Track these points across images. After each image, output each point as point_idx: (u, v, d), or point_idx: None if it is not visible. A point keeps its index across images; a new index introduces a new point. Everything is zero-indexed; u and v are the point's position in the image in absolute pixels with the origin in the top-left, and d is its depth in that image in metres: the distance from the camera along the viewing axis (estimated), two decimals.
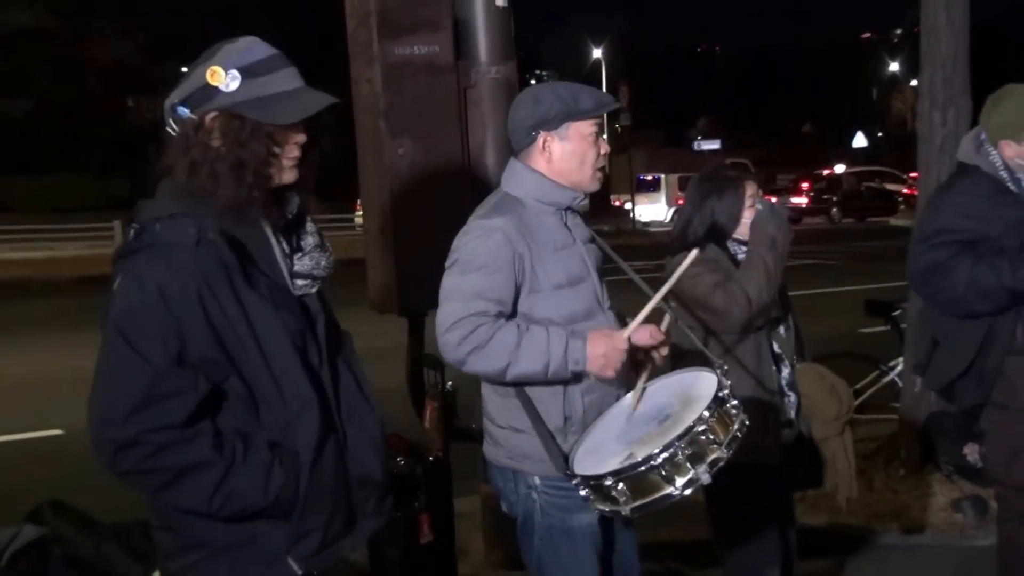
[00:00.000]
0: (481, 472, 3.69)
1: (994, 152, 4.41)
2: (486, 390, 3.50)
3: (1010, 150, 4.36)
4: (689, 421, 2.95)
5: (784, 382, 4.04)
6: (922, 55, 6.82)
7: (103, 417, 2.38)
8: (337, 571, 2.66)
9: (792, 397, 4.07)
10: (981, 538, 5.44)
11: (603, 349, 3.19)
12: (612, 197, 44.64)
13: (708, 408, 2.96)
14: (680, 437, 2.92)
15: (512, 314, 3.30)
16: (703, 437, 2.93)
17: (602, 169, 3.48)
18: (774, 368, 4.00)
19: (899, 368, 7.55)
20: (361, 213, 5.19)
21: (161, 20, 57.96)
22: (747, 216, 4.00)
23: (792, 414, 4.06)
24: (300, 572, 2.53)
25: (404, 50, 4.73)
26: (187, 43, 27.42)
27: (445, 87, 4.84)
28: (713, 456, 2.95)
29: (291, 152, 2.54)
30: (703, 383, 3.15)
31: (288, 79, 2.52)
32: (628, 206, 39.66)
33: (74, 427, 5.34)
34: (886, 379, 7.87)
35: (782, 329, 4.08)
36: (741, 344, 3.91)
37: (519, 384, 3.30)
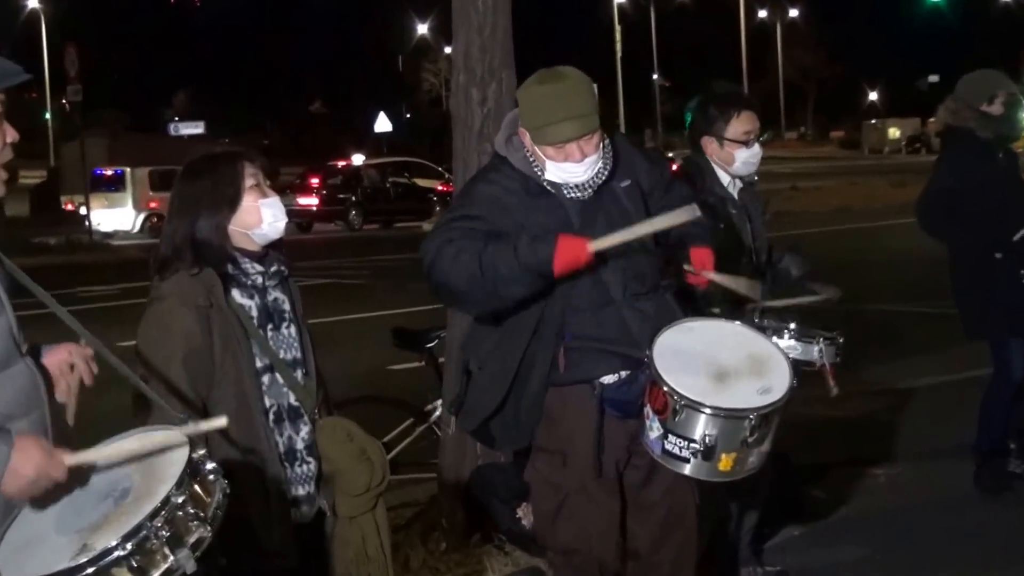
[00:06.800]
0: None
1: (525, 145, 4.62)
2: None
3: (527, 139, 4.61)
4: (161, 494, 2.95)
5: (302, 444, 4.08)
6: (454, 15, 6.96)
7: None
8: None
9: (311, 464, 4.12)
10: None
11: (35, 470, 3.01)
12: (63, 199, 43.48)
13: (182, 476, 2.97)
14: (152, 516, 2.91)
15: None
16: (180, 512, 2.95)
17: (7, 166, 3.33)
18: (278, 428, 4.02)
19: (437, 413, 7.73)
20: None
21: None
22: (249, 200, 3.98)
23: (311, 488, 4.11)
24: None
25: None
26: None
27: None
28: (195, 536, 2.98)
29: None
30: (168, 446, 3.12)
31: None
32: (84, 211, 38.64)
33: None
34: (422, 427, 8.06)
35: (299, 374, 4.10)
36: (218, 392, 3.88)
37: None
